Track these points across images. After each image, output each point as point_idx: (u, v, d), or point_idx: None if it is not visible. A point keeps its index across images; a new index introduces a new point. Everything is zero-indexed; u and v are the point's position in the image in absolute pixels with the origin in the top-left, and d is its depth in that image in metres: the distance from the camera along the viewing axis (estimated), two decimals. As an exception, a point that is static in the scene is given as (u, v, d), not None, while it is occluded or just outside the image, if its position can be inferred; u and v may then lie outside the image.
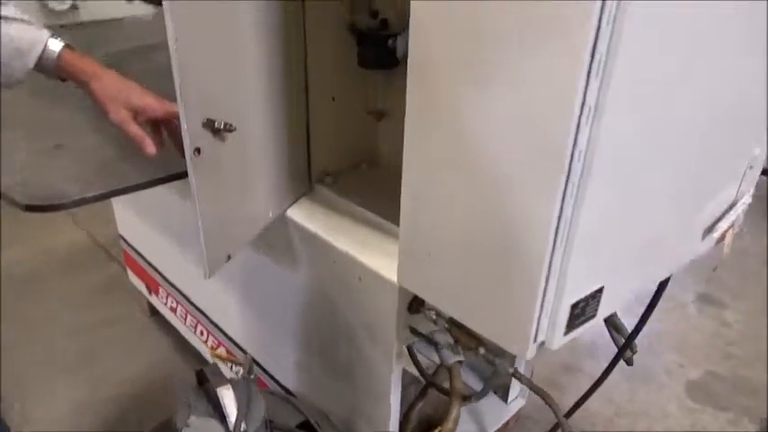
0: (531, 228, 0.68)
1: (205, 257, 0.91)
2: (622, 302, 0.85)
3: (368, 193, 1.16)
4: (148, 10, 3.15)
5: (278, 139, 1.04)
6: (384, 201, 1.12)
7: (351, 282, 1.02)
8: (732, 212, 0.93)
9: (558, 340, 0.75)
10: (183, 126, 0.80)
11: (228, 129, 0.85)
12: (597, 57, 0.58)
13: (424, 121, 0.77)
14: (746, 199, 0.95)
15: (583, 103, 0.60)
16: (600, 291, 0.76)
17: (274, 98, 1.00)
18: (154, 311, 2.02)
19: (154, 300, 1.92)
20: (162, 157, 0.95)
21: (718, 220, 0.92)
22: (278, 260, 1.21)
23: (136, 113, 0.91)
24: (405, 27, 1.05)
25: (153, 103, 0.92)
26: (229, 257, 0.98)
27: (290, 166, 1.10)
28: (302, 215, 1.11)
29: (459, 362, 1.02)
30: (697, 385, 1.84)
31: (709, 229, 0.92)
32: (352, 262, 1.00)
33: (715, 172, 0.88)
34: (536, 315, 0.73)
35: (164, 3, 0.72)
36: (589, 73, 0.59)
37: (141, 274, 1.91)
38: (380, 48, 1.05)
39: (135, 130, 0.90)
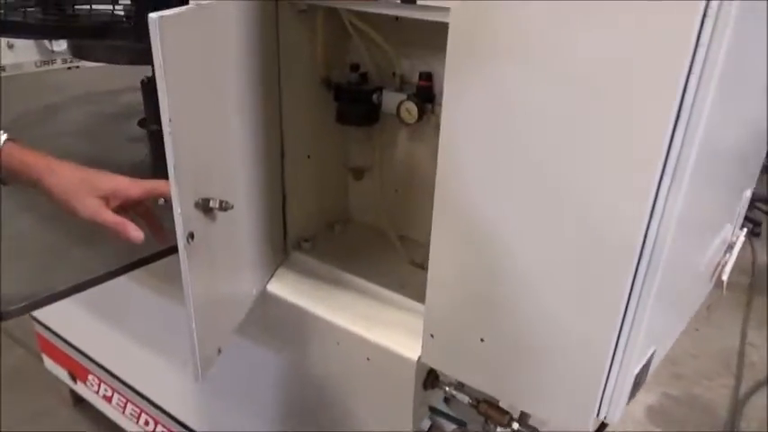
0: (603, 301, 0.63)
1: (197, 357, 0.78)
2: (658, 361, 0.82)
3: (347, 255, 1.07)
4: (31, 56, 2.91)
5: (259, 208, 0.93)
6: (365, 261, 1.05)
7: (357, 362, 0.92)
8: (734, 253, 0.94)
9: (620, 412, 0.70)
10: (177, 209, 0.68)
11: (224, 207, 0.74)
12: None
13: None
14: (741, 239, 0.97)
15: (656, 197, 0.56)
16: (653, 354, 0.73)
17: (257, 165, 0.89)
18: (78, 400, 1.77)
19: (80, 388, 1.68)
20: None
21: (723, 262, 0.93)
22: (255, 340, 1.08)
23: (107, 200, 0.77)
24: (386, 79, 1.00)
25: (125, 184, 0.78)
26: (220, 351, 0.85)
27: (269, 235, 0.99)
28: (287, 289, 1.00)
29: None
30: (655, 409, 1.88)
31: (718, 272, 0.92)
32: (360, 341, 0.90)
33: (721, 211, 0.88)
34: (600, 391, 0.68)
35: (158, 81, 0.61)
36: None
37: (63, 360, 1.67)
38: (364, 103, 0.97)
39: (111, 218, 0.75)
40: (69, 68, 2.98)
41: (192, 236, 0.71)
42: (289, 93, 0.94)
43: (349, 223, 1.18)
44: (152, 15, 0.58)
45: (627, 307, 0.62)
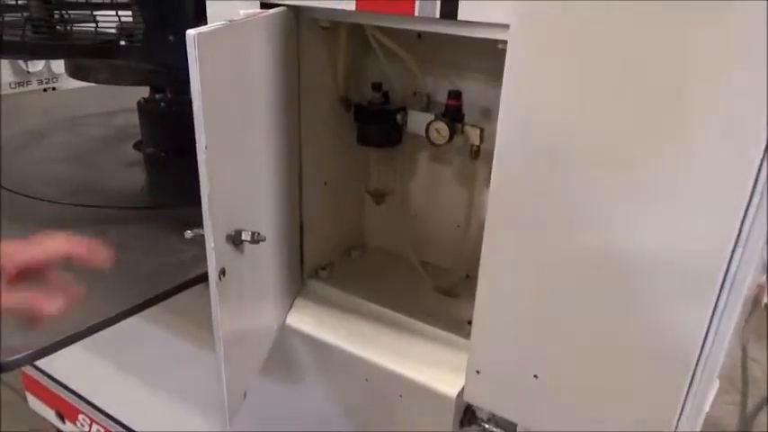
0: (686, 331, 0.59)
1: (226, 404, 0.71)
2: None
3: (367, 282, 1.02)
4: (5, 77, 2.81)
5: (281, 238, 0.87)
6: (386, 288, 1.00)
7: (388, 400, 0.86)
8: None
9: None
10: (210, 244, 0.62)
11: (257, 239, 0.68)
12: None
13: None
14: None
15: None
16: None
17: (280, 192, 0.83)
18: (66, 441, 1.66)
19: (68, 428, 1.58)
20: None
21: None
22: (272, 377, 1.01)
23: None
24: (407, 99, 0.96)
25: (22, 248, 0.55)
26: (245, 395, 0.78)
27: (288, 264, 0.93)
28: (309, 321, 0.93)
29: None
30: None
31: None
32: (392, 377, 0.84)
33: None
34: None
35: (194, 104, 0.55)
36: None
37: (50, 399, 1.57)
38: (387, 124, 0.92)
39: (13, 298, 0.52)
40: (45, 90, 2.89)
41: (223, 272, 0.65)
42: (308, 115, 0.89)
43: (366, 249, 1.13)
44: (190, 32, 0.53)
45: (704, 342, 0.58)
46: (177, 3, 0.85)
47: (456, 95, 0.88)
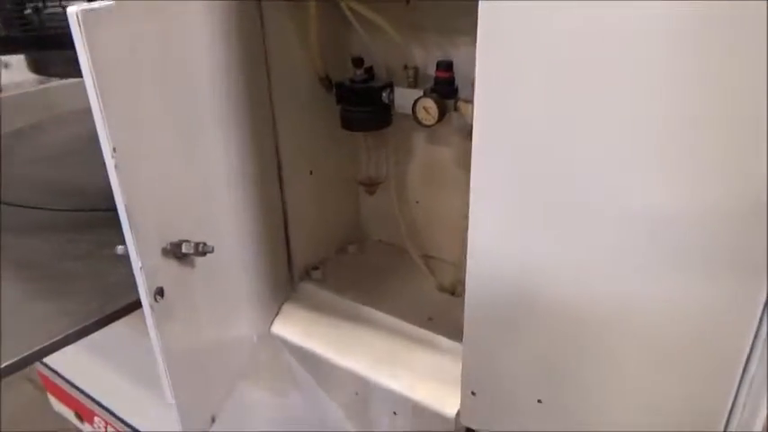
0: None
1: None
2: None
3: (364, 281, 0.92)
4: (28, 75, 2.76)
5: (254, 239, 0.78)
6: (385, 288, 0.89)
7: (380, 417, 0.77)
8: None
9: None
10: (137, 264, 0.53)
11: (203, 251, 0.58)
12: None
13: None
14: None
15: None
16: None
17: (246, 188, 0.73)
18: (88, 441, 1.65)
19: (87, 429, 1.56)
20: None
21: None
22: (263, 385, 0.93)
23: None
24: (397, 73, 0.84)
25: None
26: (214, 419, 0.69)
27: (269, 267, 0.84)
28: (295, 329, 0.84)
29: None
30: None
31: None
32: (384, 393, 0.75)
33: None
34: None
35: (90, 100, 0.45)
36: None
37: (68, 401, 1.55)
38: (372, 104, 0.81)
39: None
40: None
41: (160, 292, 0.55)
42: (281, 98, 0.78)
43: (365, 243, 1.02)
44: (70, 9, 0.43)
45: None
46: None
47: (447, 66, 0.76)
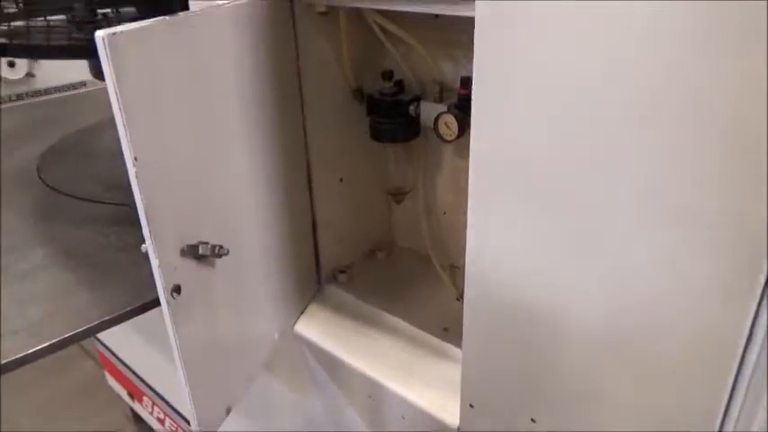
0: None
1: (195, 421, 0.67)
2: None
3: (388, 287, 0.94)
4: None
5: (280, 242, 0.82)
6: (408, 295, 0.91)
7: (390, 420, 0.79)
8: None
9: None
10: (155, 262, 0.57)
11: (218, 253, 0.63)
12: None
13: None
14: None
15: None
16: None
17: (275, 194, 0.77)
18: (138, 418, 1.75)
19: (138, 408, 1.66)
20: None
21: None
22: (282, 380, 0.97)
23: None
24: (426, 87, 0.86)
25: None
26: (229, 410, 0.74)
27: (296, 269, 0.87)
28: (317, 330, 0.88)
29: None
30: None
31: None
32: (394, 398, 0.77)
33: None
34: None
35: (116, 121, 0.50)
36: None
37: (122, 379, 1.66)
38: (400, 116, 0.83)
39: None
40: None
41: (177, 289, 0.60)
42: (313, 108, 0.82)
43: (393, 249, 1.05)
44: (98, 33, 0.47)
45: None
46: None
47: (468, 82, 0.77)
